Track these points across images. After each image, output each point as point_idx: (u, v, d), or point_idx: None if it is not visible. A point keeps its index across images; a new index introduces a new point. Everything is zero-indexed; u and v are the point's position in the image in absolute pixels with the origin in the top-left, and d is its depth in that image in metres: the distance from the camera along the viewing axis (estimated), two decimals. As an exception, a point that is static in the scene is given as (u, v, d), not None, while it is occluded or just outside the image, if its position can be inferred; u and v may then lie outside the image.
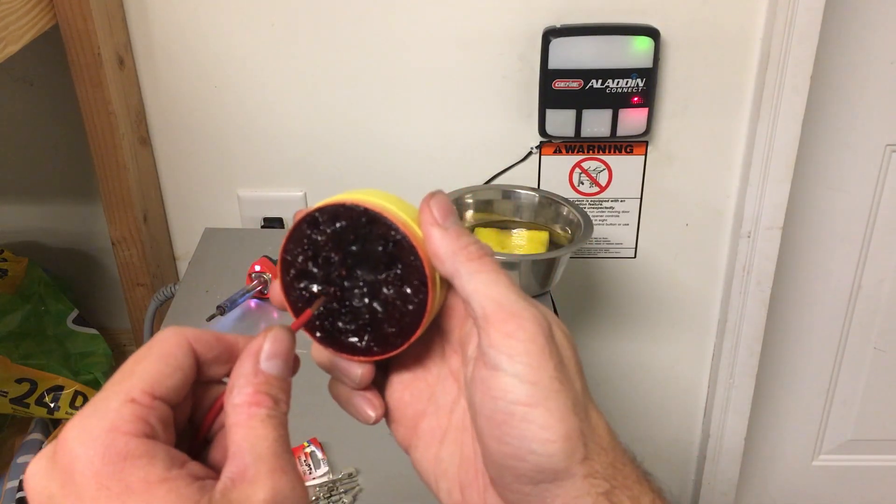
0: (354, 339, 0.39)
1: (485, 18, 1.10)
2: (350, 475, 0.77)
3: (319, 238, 0.38)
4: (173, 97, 1.17)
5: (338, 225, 0.37)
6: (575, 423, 0.35)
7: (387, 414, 0.42)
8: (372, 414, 0.40)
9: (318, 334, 0.39)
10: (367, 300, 0.38)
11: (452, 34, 1.12)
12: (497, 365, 0.35)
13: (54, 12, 1.00)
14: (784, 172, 1.18)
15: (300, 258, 0.38)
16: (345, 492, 0.75)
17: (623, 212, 1.24)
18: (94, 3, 1.01)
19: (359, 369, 0.39)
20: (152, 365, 0.34)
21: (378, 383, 0.41)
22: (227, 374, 0.37)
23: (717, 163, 1.21)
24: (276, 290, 0.40)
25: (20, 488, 1.02)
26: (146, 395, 0.33)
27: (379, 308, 0.38)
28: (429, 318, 0.38)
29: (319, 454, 0.78)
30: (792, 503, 1.61)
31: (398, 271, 0.37)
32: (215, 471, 0.33)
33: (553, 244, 1.04)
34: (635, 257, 1.29)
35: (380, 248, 0.37)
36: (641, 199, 1.23)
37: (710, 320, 1.35)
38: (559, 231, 1.06)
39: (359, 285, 0.38)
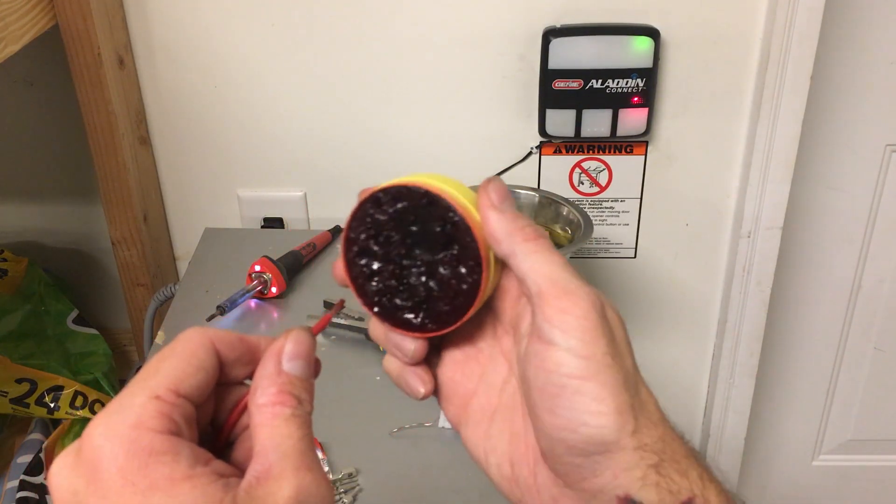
0: (410, 316, 0.40)
1: (485, 18, 1.10)
2: (350, 475, 0.77)
3: (381, 217, 0.39)
4: (173, 97, 1.17)
5: (399, 205, 0.39)
6: (626, 397, 0.36)
7: (438, 392, 0.43)
8: (421, 389, 0.42)
9: (375, 309, 0.41)
10: (423, 278, 0.40)
11: (452, 34, 1.12)
12: (551, 339, 0.36)
13: (54, 12, 1.00)
14: (784, 172, 1.18)
15: (363, 236, 0.40)
16: (345, 492, 0.75)
17: (623, 212, 1.24)
18: (94, 3, 1.01)
19: (412, 345, 0.41)
20: (176, 363, 0.34)
21: (431, 362, 0.43)
22: (249, 376, 0.37)
23: (717, 163, 1.21)
24: (339, 267, 0.41)
25: (20, 488, 1.02)
26: (171, 392, 0.33)
27: (434, 286, 0.39)
28: (482, 297, 0.39)
29: (319, 454, 0.79)
30: (792, 503, 1.61)
31: (454, 251, 0.39)
32: (239, 471, 0.34)
33: (553, 244, 1.04)
34: (635, 257, 1.29)
35: (438, 229, 0.39)
36: (641, 199, 1.23)
37: (710, 320, 1.35)
38: (559, 231, 1.06)
39: (417, 264, 0.40)
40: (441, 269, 0.39)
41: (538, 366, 0.36)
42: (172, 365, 0.34)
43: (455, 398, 0.43)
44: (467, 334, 0.43)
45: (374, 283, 0.40)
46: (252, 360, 0.37)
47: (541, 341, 0.36)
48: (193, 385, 0.34)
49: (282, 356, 0.36)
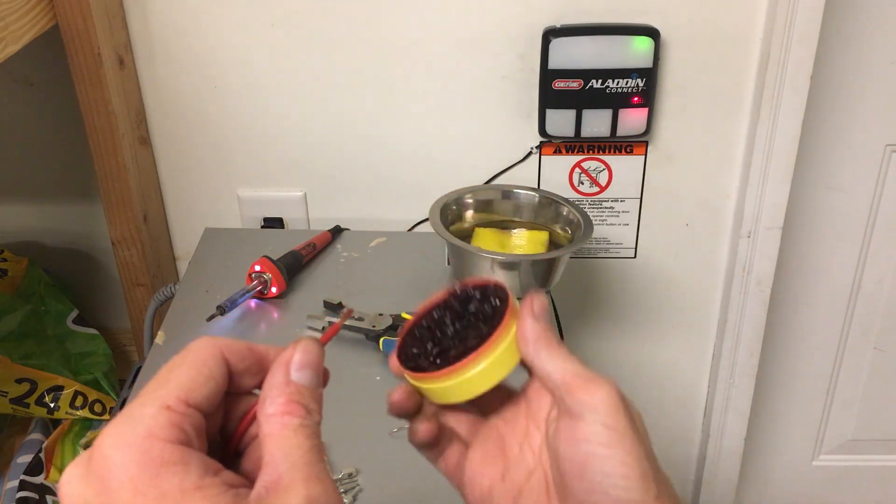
0: (411, 355, 0.45)
1: (485, 18, 1.10)
2: (350, 475, 0.77)
3: (456, 296, 0.46)
4: (173, 97, 1.17)
5: (471, 290, 0.46)
6: (648, 466, 0.40)
7: (461, 477, 0.46)
8: (418, 430, 0.46)
9: (400, 356, 0.45)
10: (447, 338, 0.45)
11: (452, 34, 1.12)
12: (581, 415, 0.40)
13: (54, 12, 1.00)
14: (784, 172, 1.18)
15: (436, 313, 0.46)
16: (345, 492, 0.75)
17: (623, 212, 1.24)
18: (94, 3, 1.01)
19: (394, 394, 0.45)
20: (186, 373, 0.34)
21: (459, 451, 0.47)
22: (258, 385, 0.37)
23: (717, 163, 1.21)
24: (393, 361, 0.46)
25: (20, 488, 1.02)
26: (181, 402, 0.33)
27: (451, 347, 0.44)
28: (469, 364, 0.42)
29: (319, 454, 0.78)
30: (792, 503, 1.62)
31: (481, 325, 0.44)
32: (248, 481, 0.34)
33: (553, 244, 1.04)
34: (635, 257, 1.29)
35: (486, 307, 0.45)
36: (641, 199, 1.23)
37: (710, 320, 1.35)
38: (559, 231, 1.06)
39: (451, 330, 0.45)
40: (462, 337, 0.44)
41: (569, 438, 0.40)
42: (182, 375, 0.34)
43: (481, 482, 0.45)
44: (499, 429, 0.46)
45: (415, 332, 0.45)
46: (261, 369, 0.37)
47: (572, 418, 0.40)
48: (203, 395, 0.34)
49: (290, 366, 0.36)
